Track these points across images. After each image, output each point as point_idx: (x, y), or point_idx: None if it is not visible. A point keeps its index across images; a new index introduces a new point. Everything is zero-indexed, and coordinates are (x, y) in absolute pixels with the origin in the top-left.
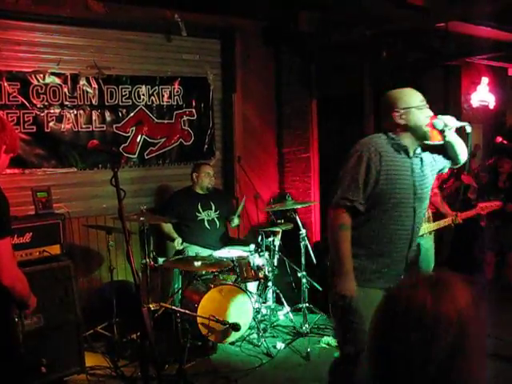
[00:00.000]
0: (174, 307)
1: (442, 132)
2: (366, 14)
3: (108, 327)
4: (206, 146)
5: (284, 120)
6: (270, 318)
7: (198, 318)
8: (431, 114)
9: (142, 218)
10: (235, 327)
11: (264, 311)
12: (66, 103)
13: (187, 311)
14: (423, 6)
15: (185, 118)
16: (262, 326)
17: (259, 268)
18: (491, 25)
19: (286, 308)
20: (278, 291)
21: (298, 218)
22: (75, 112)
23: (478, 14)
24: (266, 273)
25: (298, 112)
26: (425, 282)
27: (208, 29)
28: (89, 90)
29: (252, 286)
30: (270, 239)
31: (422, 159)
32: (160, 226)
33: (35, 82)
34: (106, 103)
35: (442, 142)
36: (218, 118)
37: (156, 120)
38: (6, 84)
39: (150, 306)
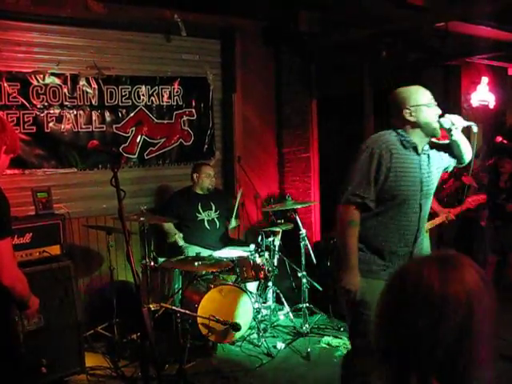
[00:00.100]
0: (174, 307)
1: (448, 131)
2: (365, 13)
3: (108, 327)
4: (205, 146)
5: (284, 120)
6: (270, 318)
7: (198, 318)
8: (440, 111)
9: (142, 219)
10: (235, 327)
11: (264, 311)
12: (66, 103)
13: (187, 311)
14: (423, 5)
15: (185, 118)
16: (262, 326)
17: (259, 268)
18: (491, 24)
19: (286, 308)
20: (278, 291)
21: (298, 217)
22: (75, 112)
23: (478, 14)
24: (266, 273)
25: (297, 112)
26: (433, 262)
27: (208, 29)
28: (89, 90)
29: (252, 286)
30: (270, 239)
31: (429, 156)
32: (160, 225)
33: (35, 83)
34: (106, 103)
35: (447, 142)
36: (218, 118)
37: (156, 120)
38: (5, 84)
39: (150, 306)
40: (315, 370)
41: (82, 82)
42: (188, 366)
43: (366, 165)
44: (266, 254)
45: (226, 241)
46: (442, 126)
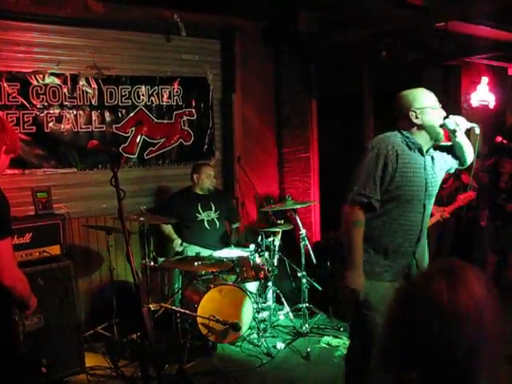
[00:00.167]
0: (174, 307)
1: (453, 132)
2: (365, 14)
3: (108, 327)
4: (205, 146)
5: (284, 120)
6: (270, 318)
7: (198, 318)
8: (444, 114)
9: (141, 218)
10: (235, 327)
11: (264, 311)
12: (66, 103)
13: (187, 311)
14: (423, 5)
15: (184, 118)
16: (262, 326)
17: (259, 268)
18: (491, 24)
19: (286, 308)
20: (278, 291)
21: (297, 217)
22: (75, 112)
23: (478, 14)
24: (266, 273)
25: (297, 112)
26: (440, 275)
27: (208, 29)
28: (88, 90)
29: (252, 286)
30: (270, 239)
31: (433, 157)
32: (160, 227)
33: (35, 83)
34: (106, 103)
35: (450, 143)
36: (218, 118)
37: (156, 120)
38: (5, 84)
39: (150, 306)
40: (315, 370)
41: (82, 82)
42: (188, 366)
43: (372, 165)
44: (266, 254)
45: (226, 241)
46: (446, 127)
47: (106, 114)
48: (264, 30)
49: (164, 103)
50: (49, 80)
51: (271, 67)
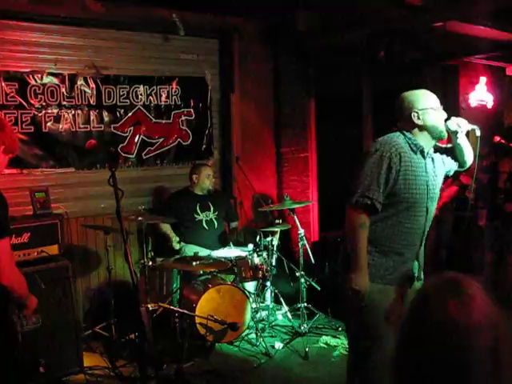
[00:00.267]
0: (172, 307)
1: (454, 134)
2: (364, 13)
3: (106, 327)
4: (204, 146)
5: (282, 120)
6: (269, 317)
7: (196, 317)
8: (445, 115)
9: (140, 218)
10: (233, 327)
11: (262, 311)
12: (64, 103)
13: (185, 311)
14: (421, 5)
15: (183, 117)
16: (260, 325)
17: (257, 268)
18: (489, 24)
19: (285, 308)
20: (276, 291)
21: (296, 217)
22: (73, 112)
23: (476, 14)
24: (265, 273)
25: (296, 112)
26: (448, 294)
27: (206, 28)
28: (87, 89)
29: (250, 286)
30: (269, 239)
31: (433, 159)
32: (158, 226)
33: (33, 82)
34: (104, 103)
35: (449, 145)
36: (216, 118)
37: (154, 120)
38: (3, 84)
39: (149, 305)
40: (313, 370)
41: (80, 82)
42: (186, 366)
43: (375, 167)
44: (265, 254)
45: (224, 241)
46: (448, 129)
47: (105, 113)
48: (263, 29)
49: (162, 103)
50: (47, 80)
51: (270, 67)
